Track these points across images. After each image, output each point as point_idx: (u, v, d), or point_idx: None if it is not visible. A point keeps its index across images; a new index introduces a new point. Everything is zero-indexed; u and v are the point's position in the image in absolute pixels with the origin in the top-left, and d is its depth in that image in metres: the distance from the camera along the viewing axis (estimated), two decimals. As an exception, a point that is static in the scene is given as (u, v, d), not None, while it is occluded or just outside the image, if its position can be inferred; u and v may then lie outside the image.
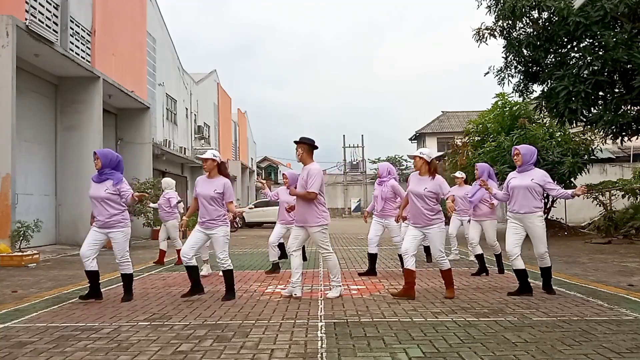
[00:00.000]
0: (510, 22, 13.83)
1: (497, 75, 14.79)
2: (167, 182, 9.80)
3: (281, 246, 8.70)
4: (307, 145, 6.01)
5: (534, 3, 12.73)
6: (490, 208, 7.34)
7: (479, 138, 17.17)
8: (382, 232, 7.81)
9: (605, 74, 12.43)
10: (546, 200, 16.90)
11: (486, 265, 7.64)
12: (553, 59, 13.73)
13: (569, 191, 5.79)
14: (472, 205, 7.55)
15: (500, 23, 14.04)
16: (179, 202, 9.70)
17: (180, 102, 26.49)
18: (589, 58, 12.31)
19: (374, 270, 7.78)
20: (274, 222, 9.02)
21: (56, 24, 13.85)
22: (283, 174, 8.12)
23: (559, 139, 15.55)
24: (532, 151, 5.94)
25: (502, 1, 13.41)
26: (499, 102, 16.90)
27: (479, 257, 7.64)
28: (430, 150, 6.30)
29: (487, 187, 6.20)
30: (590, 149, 15.64)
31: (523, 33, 14.10)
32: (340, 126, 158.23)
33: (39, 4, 13.10)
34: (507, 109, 16.63)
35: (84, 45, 15.26)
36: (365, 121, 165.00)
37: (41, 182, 13.80)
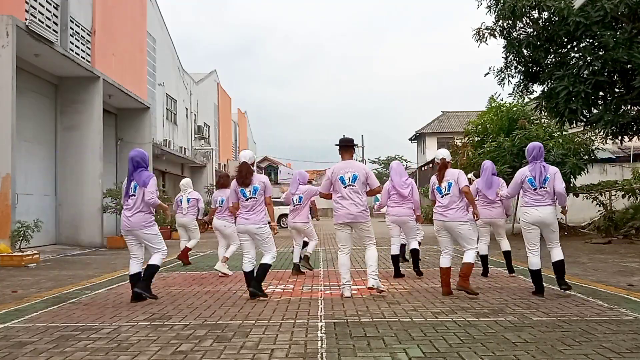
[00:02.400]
0: (510, 22, 13.82)
1: (497, 76, 14.80)
2: (189, 182, 9.93)
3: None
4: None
5: (534, 3, 12.73)
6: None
7: (479, 138, 17.17)
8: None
9: (605, 74, 12.42)
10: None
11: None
12: (553, 59, 13.72)
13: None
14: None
15: (500, 23, 14.03)
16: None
17: (180, 102, 26.49)
18: (589, 58, 12.31)
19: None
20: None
21: (56, 24, 13.85)
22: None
23: (559, 140, 15.53)
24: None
25: (502, 1, 13.40)
26: (493, 105, 16.95)
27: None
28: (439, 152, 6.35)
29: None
30: (590, 149, 15.63)
31: (523, 33, 14.09)
32: (340, 126, 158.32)
33: (39, 4, 13.10)
34: (503, 110, 16.64)
35: (84, 45, 15.25)
36: (365, 121, 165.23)
37: (41, 182, 13.79)
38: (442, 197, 5.93)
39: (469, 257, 5.84)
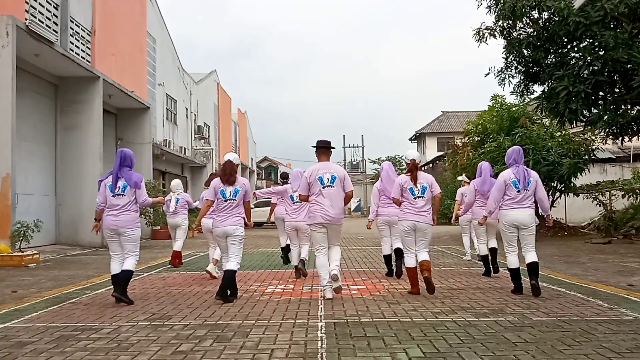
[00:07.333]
0: (510, 22, 13.81)
1: (497, 76, 14.78)
2: (179, 183, 9.88)
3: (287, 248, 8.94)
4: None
5: (534, 3, 12.71)
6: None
7: (479, 138, 17.16)
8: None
9: (605, 74, 12.41)
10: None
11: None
12: (553, 59, 13.71)
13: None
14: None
15: (500, 23, 14.03)
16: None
17: (180, 102, 26.47)
18: (589, 58, 12.30)
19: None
20: (273, 222, 9.08)
21: (56, 24, 13.83)
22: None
23: (560, 139, 15.53)
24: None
25: (502, 1, 13.39)
26: (496, 104, 16.93)
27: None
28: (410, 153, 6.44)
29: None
30: (590, 149, 15.62)
31: (523, 33, 14.08)
32: (340, 126, 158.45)
33: (39, 4, 13.09)
34: (505, 110, 16.63)
35: (84, 45, 15.25)
36: (365, 121, 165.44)
37: (41, 182, 13.78)
38: (414, 199, 5.97)
39: (426, 254, 6.02)
